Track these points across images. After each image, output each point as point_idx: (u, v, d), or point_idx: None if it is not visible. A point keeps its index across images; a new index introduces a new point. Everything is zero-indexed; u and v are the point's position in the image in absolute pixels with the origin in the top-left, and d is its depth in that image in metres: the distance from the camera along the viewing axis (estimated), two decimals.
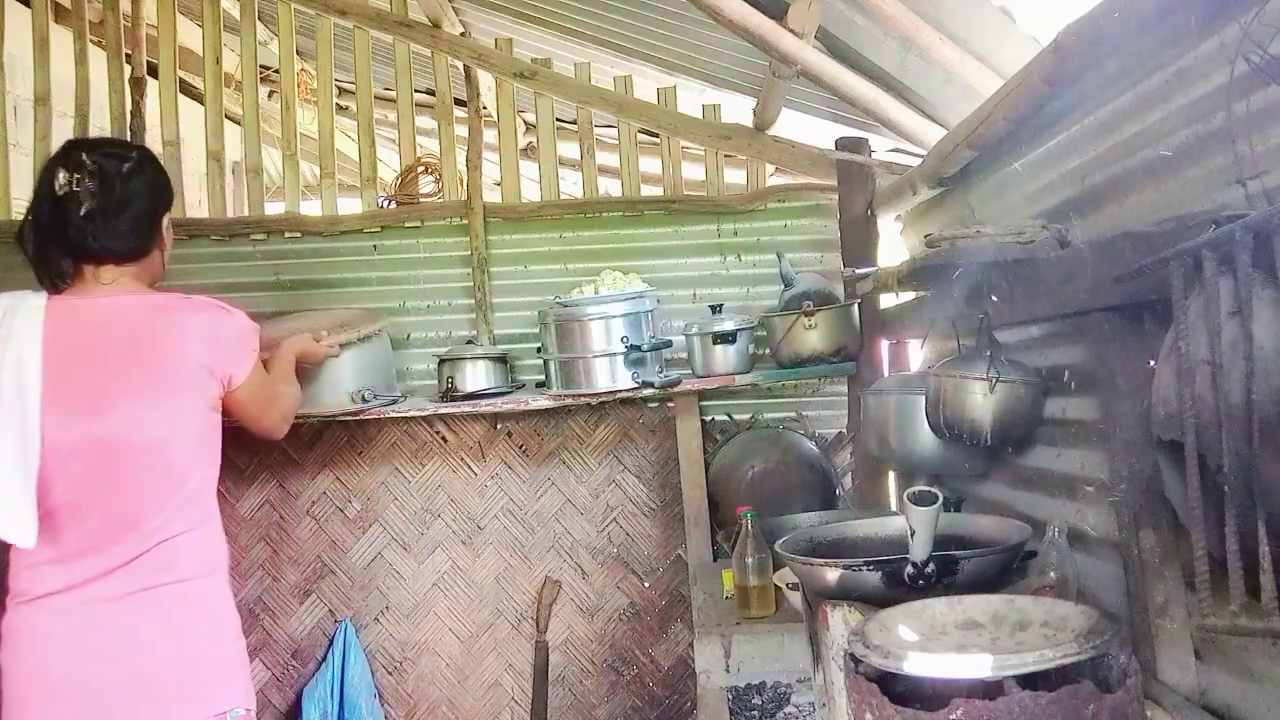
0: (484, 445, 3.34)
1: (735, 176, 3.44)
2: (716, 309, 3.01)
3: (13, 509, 1.61)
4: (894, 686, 1.20)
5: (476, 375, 2.96)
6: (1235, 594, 1.05)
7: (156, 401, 1.77)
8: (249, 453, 3.33)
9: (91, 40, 3.48)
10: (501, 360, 3.05)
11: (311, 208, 3.56)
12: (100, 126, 3.45)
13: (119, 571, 1.73)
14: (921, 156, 2.72)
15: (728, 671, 2.33)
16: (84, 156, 1.76)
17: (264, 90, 4.10)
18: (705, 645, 2.36)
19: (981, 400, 1.86)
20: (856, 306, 2.97)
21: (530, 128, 4.31)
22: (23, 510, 1.62)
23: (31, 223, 1.79)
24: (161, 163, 1.97)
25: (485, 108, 3.65)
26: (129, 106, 3.42)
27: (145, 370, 1.77)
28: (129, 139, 3.40)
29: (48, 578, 1.71)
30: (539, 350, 2.99)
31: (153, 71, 3.52)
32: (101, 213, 1.76)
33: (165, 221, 1.92)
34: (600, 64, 3.67)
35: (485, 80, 3.59)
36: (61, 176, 1.73)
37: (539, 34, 3.68)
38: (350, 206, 3.55)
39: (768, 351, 3.10)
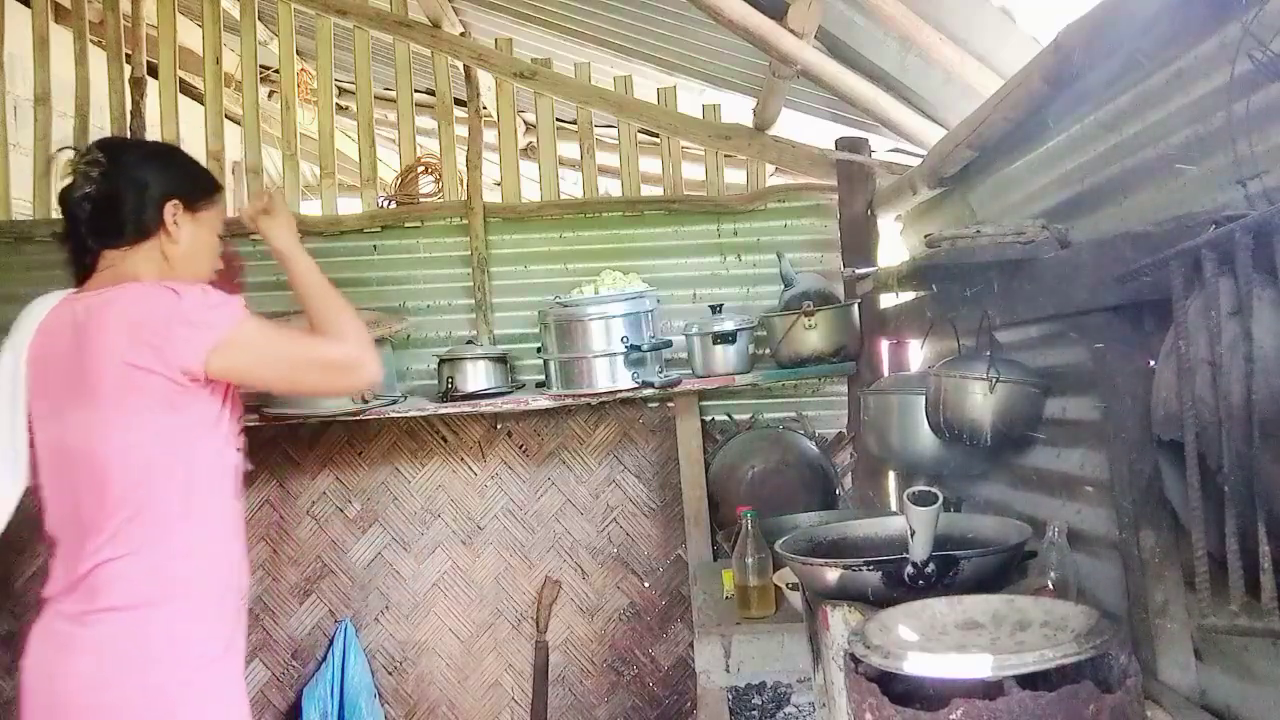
0: (484, 445, 3.34)
1: (735, 176, 3.44)
2: (716, 309, 3.01)
3: None
4: (894, 686, 1.20)
5: (476, 375, 2.96)
6: (1235, 594, 1.05)
7: (87, 409, 1.62)
8: (250, 452, 3.32)
9: (91, 40, 3.48)
10: (501, 360, 3.05)
11: (311, 208, 3.56)
12: (100, 126, 3.44)
13: (71, 592, 1.65)
14: (921, 156, 2.72)
15: (728, 671, 2.33)
16: (94, 146, 1.78)
17: (264, 90, 4.10)
18: (705, 645, 2.36)
19: (981, 400, 1.86)
20: (856, 306, 2.97)
21: (530, 128, 4.31)
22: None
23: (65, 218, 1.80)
24: (183, 155, 1.92)
25: (485, 108, 3.65)
26: (129, 106, 3.42)
27: (79, 374, 1.63)
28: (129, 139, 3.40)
29: (50, 582, 1.74)
30: (539, 350, 2.99)
31: (153, 71, 3.52)
32: (97, 196, 1.73)
33: (170, 209, 1.77)
34: (600, 64, 3.67)
35: (485, 80, 3.59)
36: (66, 166, 1.75)
37: (539, 34, 3.68)
38: (350, 206, 3.55)
39: (768, 351, 3.10)
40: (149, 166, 1.80)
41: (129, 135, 3.40)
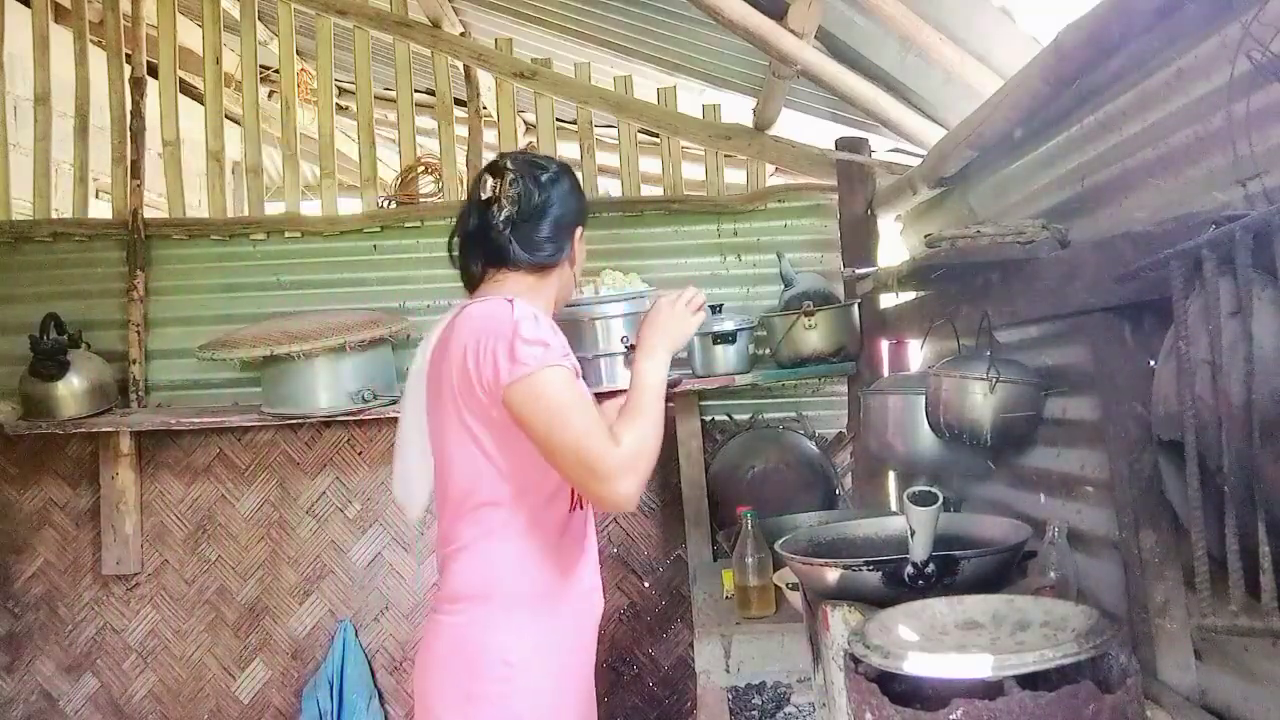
0: None
1: (735, 176, 3.44)
2: (716, 309, 3.01)
3: (409, 485, 1.84)
4: (894, 686, 1.20)
5: None
6: (1235, 594, 1.05)
7: (440, 410, 1.69)
8: (249, 452, 3.33)
9: (91, 40, 3.48)
10: None
11: (311, 208, 3.56)
12: (100, 126, 3.45)
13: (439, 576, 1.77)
14: (921, 156, 2.72)
15: (728, 671, 2.33)
16: (508, 163, 1.78)
17: (264, 90, 4.10)
18: (705, 645, 2.36)
19: (981, 400, 1.86)
20: (856, 306, 2.97)
21: (530, 128, 4.32)
22: (419, 494, 1.83)
23: (458, 229, 1.81)
24: (578, 178, 1.87)
25: (485, 108, 3.65)
26: (129, 106, 3.42)
27: (438, 377, 1.70)
28: (129, 139, 3.41)
29: None
30: None
31: (153, 71, 3.52)
32: (521, 218, 1.74)
33: (578, 235, 1.83)
34: (600, 64, 3.67)
35: (485, 80, 3.59)
36: (489, 182, 1.76)
37: (539, 34, 3.68)
38: (350, 206, 3.55)
39: (768, 351, 3.10)
40: (561, 190, 1.79)
41: (129, 135, 3.40)
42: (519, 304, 1.64)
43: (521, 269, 1.76)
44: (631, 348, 2.81)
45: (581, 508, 1.75)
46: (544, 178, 1.78)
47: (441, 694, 1.65)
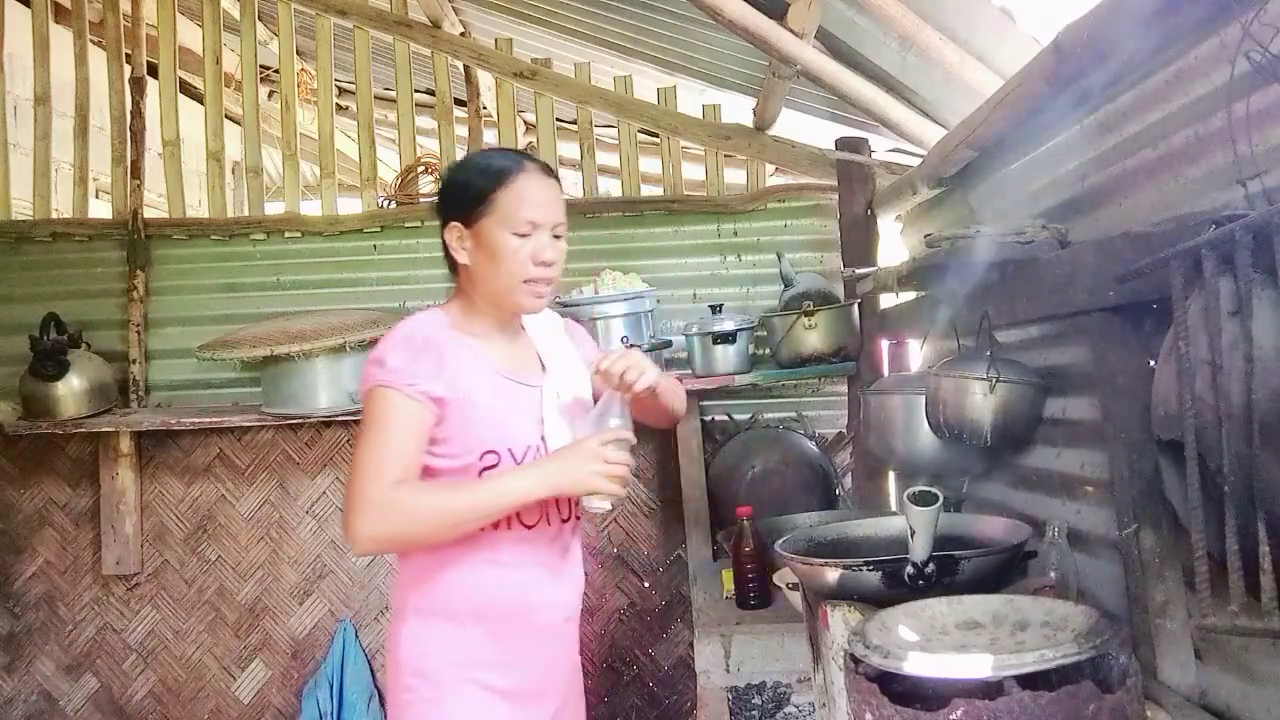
0: None
1: (735, 176, 3.44)
2: (716, 309, 3.01)
3: None
4: (894, 686, 1.20)
5: None
6: (1235, 594, 1.05)
7: None
8: (249, 452, 3.33)
9: (91, 40, 3.48)
10: None
11: (311, 208, 3.56)
12: (100, 126, 3.45)
13: None
14: (921, 156, 2.72)
15: (728, 671, 2.33)
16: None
17: (264, 90, 4.10)
18: (705, 645, 2.36)
19: (981, 400, 1.86)
20: (856, 306, 2.97)
21: (530, 128, 4.32)
22: None
23: None
24: (477, 166, 1.69)
25: (485, 108, 3.65)
26: (129, 106, 3.42)
27: None
28: (129, 139, 3.41)
29: None
30: None
31: (153, 71, 3.52)
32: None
33: (449, 234, 1.66)
34: (600, 64, 3.67)
35: (485, 80, 3.59)
36: None
37: (539, 34, 3.68)
38: (350, 206, 3.55)
39: (768, 351, 3.10)
40: (445, 184, 1.71)
41: (129, 135, 3.40)
42: (425, 315, 1.66)
43: (456, 271, 1.70)
44: (633, 347, 2.83)
45: (510, 528, 1.63)
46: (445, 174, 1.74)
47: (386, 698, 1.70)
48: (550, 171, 1.69)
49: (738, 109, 3.47)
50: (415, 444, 1.57)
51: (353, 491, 1.51)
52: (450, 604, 1.63)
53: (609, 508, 1.66)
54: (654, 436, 3.31)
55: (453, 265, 1.70)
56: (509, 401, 1.66)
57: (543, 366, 1.74)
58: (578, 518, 1.76)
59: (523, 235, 1.61)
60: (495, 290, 1.65)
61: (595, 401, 1.75)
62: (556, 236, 1.65)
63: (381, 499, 1.50)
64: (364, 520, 1.49)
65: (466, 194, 1.64)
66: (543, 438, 1.67)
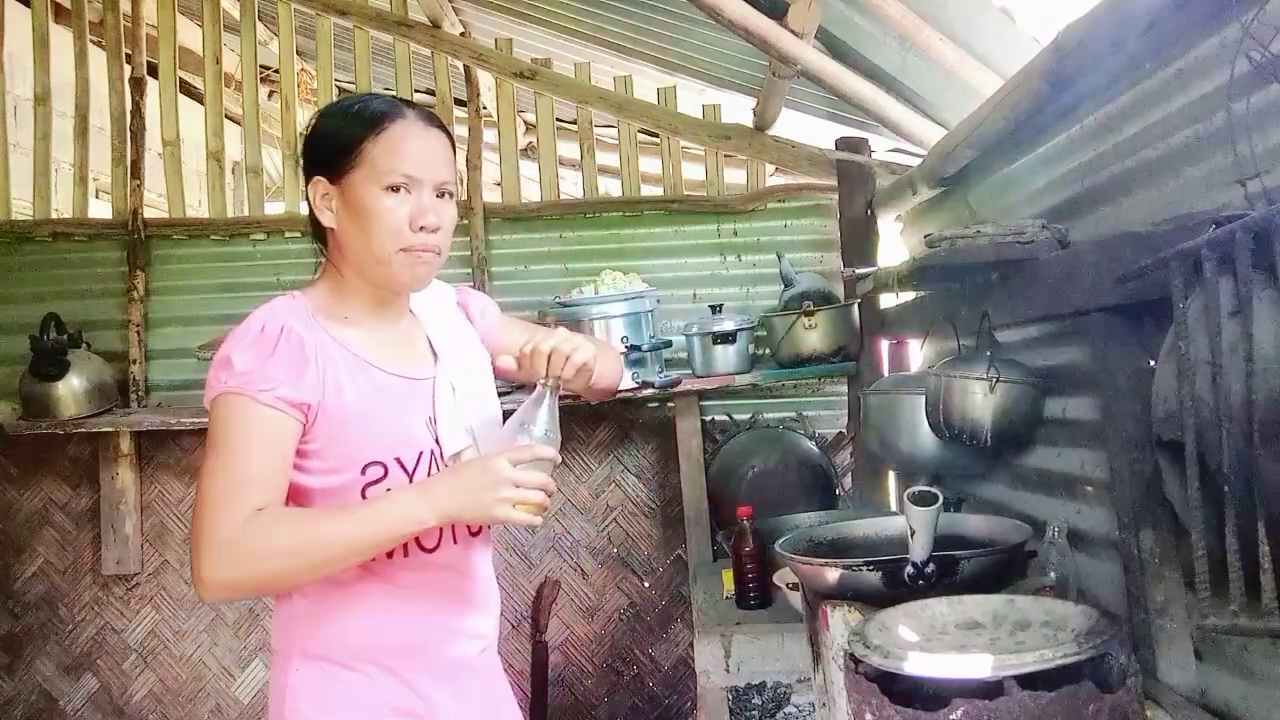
0: None
1: (735, 176, 3.44)
2: (716, 309, 3.01)
3: None
4: (894, 686, 1.20)
5: None
6: (1235, 594, 1.05)
7: None
8: None
9: (91, 40, 3.48)
10: None
11: None
12: (100, 126, 3.45)
13: None
14: (921, 156, 2.72)
15: (728, 671, 2.33)
16: None
17: (264, 90, 4.10)
18: (705, 645, 2.36)
19: (981, 400, 1.86)
20: (856, 306, 2.97)
21: (530, 128, 4.32)
22: None
23: None
24: (325, 115, 1.43)
25: (485, 108, 3.65)
26: (129, 106, 3.42)
27: None
28: (129, 139, 3.41)
29: None
30: None
31: (153, 71, 3.52)
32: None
33: (313, 190, 1.39)
34: (600, 64, 3.67)
35: (485, 80, 3.59)
36: None
37: (539, 34, 3.68)
38: None
39: (768, 351, 3.10)
40: (311, 130, 1.44)
41: (129, 135, 3.40)
42: (282, 301, 1.38)
43: (324, 242, 1.43)
44: (633, 347, 2.83)
45: (407, 554, 1.40)
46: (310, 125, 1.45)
47: None
48: (436, 121, 1.44)
49: (738, 109, 3.47)
50: (277, 461, 1.28)
51: (199, 527, 1.23)
52: (344, 644, 1.38)
53: (537, 523, 1.31)
54: (654, 436, 3.31)
55: (319, 235, 1.43)
56: (393, 401, 1.39)
57: (434, 354, 1.48)
58: (488, 527, 1.51)
59: (397, 192, 1.34)
60: (365, 261, 1.37)
61: (505, 386, 1.50)
62: (441, 197, 1.39)
63: (232, 536, 1.22)
64: (213, 564, 1.21)
65: (333, 143, 1.37)
66: (438, 440, 1.42)
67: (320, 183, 1.38)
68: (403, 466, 1.38)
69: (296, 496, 1.34)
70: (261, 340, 1.30)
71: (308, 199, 1.40)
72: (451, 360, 1.48)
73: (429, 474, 1.40)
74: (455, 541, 1.45)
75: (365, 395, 1.36)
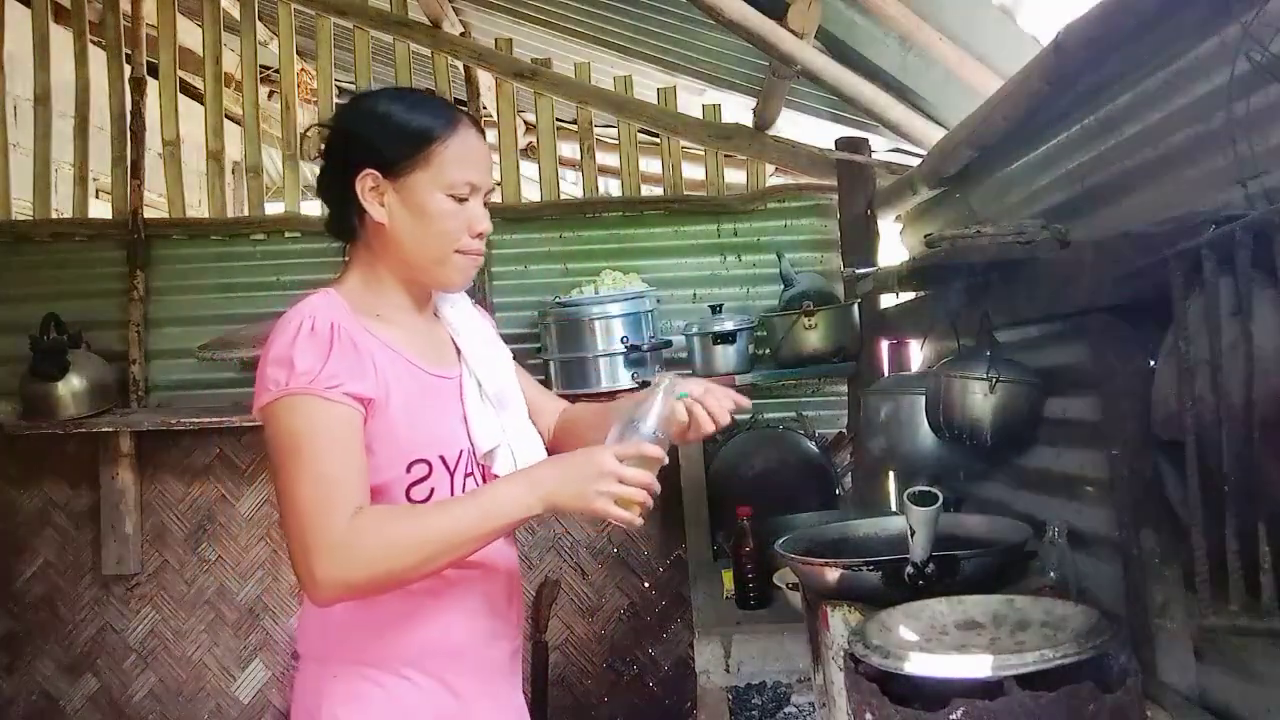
0: None
1: (735, 176, 3.44)
2: (716, 309, 3.01)
3: None
4: (894, 686, 1.20)
5: None
6: (1235, 594, 1.05)
7: None
8: (249, 452, 3.33)
9: (91, 40, 3.48)
10: None
11: (311, 208, 3.55)
12: (100, 126, 3.45)
13: None
14: (921, 156, 2.72)
15: (728, 671, 2.33)
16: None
17: (264, 90, 4.10)
18: (705, 645, 2.36)
19: (981, 400, 1.86)
20: (856, 306, 2.97)
21: (530, 128, 4.31)
22: None
23: None
24: (382, 105, 1.38)
25: (485, 108, 3.65)
26: (129, 106, 3.42)
27: None
28: (129, 139, 3.40)
29: None
30: (539, 350, 2.99)
31: (153, 71, 3.52)
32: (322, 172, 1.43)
33: (362, 182, 1.34)
34: (600, 64, 3.67)
35: (485, 80, 3.59)
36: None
37: (539, 34, 3.68)
38: None
39: (768, 351, 3.10)
40: (345, 119, 1.41)
41: (129, 135, 3.40)
42: (319, 298, 1.34)
43: (344, 238, 1.42)
44: (633, 347, 2.83)
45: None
46: (336, 115, 1.42)
47: None
48: (481, 126, 1.44)
49: (738, 109, 3.47)
50: (358, 458, 1.26)
51: (301, 535, 1.20)
52: (387, 650, 1.36)
53: (638, 523, 1.28)
54: None
55: (342, 228, 1.42)
56: (434, 399, 1.39)
57: (458, 353, 1.48)
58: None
59: (460, 199, 1.35)
60: (419, 260, 1.37)
61: (520, 389, 1.52)
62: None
63: (346, 537, 1.20)
64: (327, 568, 1.19)
65: (397, 138, 1.33)
66: (471, 439, 1.42)
67: (372, 176, 1.34)
68: (445, 465, 1.37)
69: None
70: (315, 338, 1.27)
71: (331, 188, 1.39)
72: (476, 358, 1.48)
73: (468, 473, 1.40)
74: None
75: (412, 393, 1.35)
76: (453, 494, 1.38)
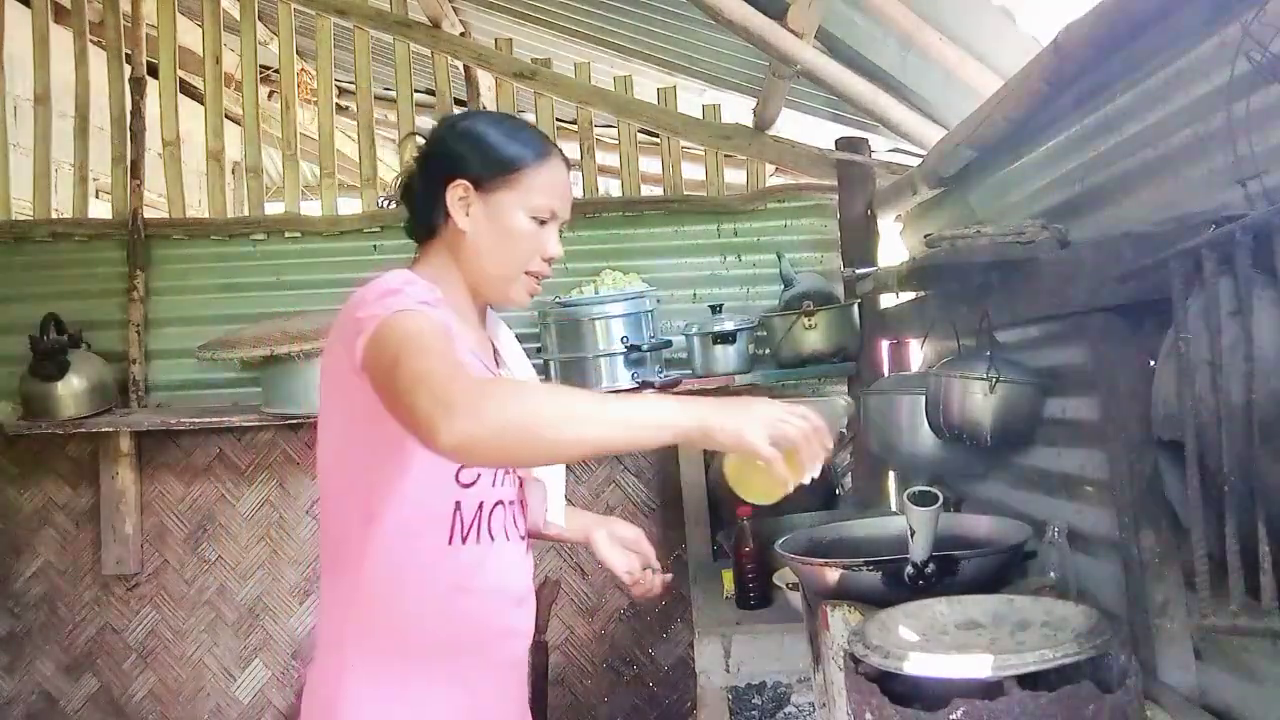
0: None
1: (735, 176, 3.44)
2: (716, 309, 3.01)
3: None
4: (894, 686, 1.20)
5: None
6: (1235, 594, 1.05)
7: (320, 427, 1.41)
8: (249, 452, 3.33)
9: (91, 40, 3.48)
10: None
11: (311, 208, 3.56)
12: (100, 126, 3.45)
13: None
14: (921, 156, 2.72)
15: (728, 671, 2.33)
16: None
17: (264, 90, 4.10)
18: (705, 645, 2.36)
19: (981, 400, 1.86)
20: (856, 306, 2.97)
21: None
22: None
23: None
24: (486, 124, 1.48)
25: (485, 108, 3.65)
26: (129, 106, 3.42)
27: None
28: (129, 139, 3.40)
29: None
30: (539, 350, 2.99)
31: (153, 71, 3.52)
32: (415, 177, 1.52)
33: (453, 191, 1.43)
34: (600, 64, 3.67)
35: (485, 80, 3.59)
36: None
37: (539, 34, 3.68)
38: (350, 206, 3.55)
39: (768, 351, 3.10)
40: (442, 133, 1.51)
41: (129, 135, 3.40)
42: (407, 272, 1.37)
43: (421, 239, 1.51)
44: (633, 348, 2.83)
45: (476, 541, 1.39)
46: (437, 128, 1.52)
47: None
48: (569, 162, 1.55)
49: (738, 109, 3.47)
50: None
51: (424, 391, 1.11)
52: (408, 641, 1.37)
53: (787, 480, 1.20)
54: None
55: (423, 228, 1.49)
56: None
57: (497, 358, 1.55)
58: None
59: (540, 222, 1.44)
60: (489, 270, 1.44)
61: None
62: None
63: (484, 387, 1.18)
64: (450, 415, 1.08)
65: (495, 155, 1.42)
66: None
67: (463, 186, 1.43)
68: None
69: (397, 475, 1.32)
70: (426, 288, 1.30)
71: (420, 188, 1.48)
72: (515, 368, 1.58)
73: (506, 470, 1.44)
74: (508, 538, 1.45)
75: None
76: (494, 483, 1.41)
